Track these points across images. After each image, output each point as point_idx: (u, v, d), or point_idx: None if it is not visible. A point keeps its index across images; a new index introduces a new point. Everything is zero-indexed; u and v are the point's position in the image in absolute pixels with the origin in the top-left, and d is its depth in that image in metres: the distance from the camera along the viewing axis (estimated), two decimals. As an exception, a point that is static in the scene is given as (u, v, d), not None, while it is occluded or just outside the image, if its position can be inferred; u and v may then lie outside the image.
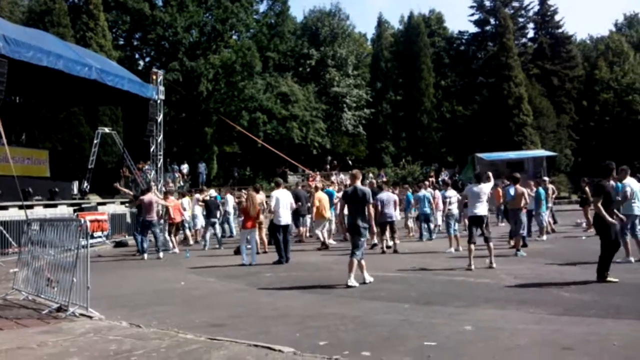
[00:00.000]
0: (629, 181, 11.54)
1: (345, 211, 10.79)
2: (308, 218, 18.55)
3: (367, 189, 10.13)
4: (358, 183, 10.21)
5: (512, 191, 14.32)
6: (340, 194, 16.00)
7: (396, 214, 15.76)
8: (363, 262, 9.86)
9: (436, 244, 16.10)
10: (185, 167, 33.74)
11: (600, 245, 9.06)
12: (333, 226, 18.09)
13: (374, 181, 22.56)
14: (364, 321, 7.07)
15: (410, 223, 19.19)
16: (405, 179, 36.96)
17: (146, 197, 15.62)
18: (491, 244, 11.15)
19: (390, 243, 15.06)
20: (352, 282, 9.51)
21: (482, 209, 11.35)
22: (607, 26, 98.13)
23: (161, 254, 15.33)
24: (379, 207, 14.40)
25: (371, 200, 9.95)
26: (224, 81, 39.08)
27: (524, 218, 14.08)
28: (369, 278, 9.82)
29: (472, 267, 10.78)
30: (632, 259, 10.98)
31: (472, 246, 11.09)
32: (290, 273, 11.58)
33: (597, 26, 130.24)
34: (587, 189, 18.81)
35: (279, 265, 12.97)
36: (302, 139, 42.04)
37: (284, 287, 9.92)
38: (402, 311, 7.57)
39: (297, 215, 16.82)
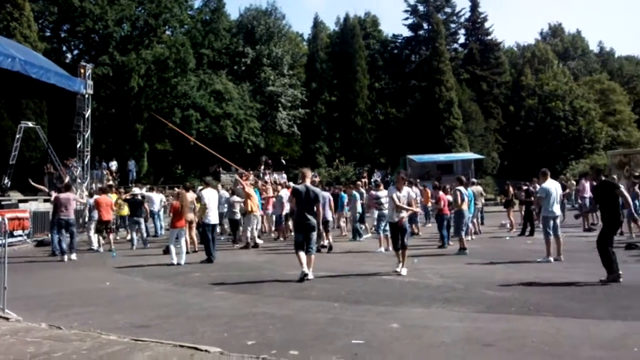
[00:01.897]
0: (549, 183, 12.03)
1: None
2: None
3: (318, 189, 10.56)
4: (308, 182, 10.44)
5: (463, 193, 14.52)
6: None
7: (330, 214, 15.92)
8: (313, 256, 10.21)
9: (367, 243, 16.30)
10: (114, 165, 32.70)
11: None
12: (259, 226, 18.04)
13: (316, 180, 22.62)
14: (293, 320, 7.06)
15: (343, 223, 19.36)
16: (339, 179, 37.25)
17: (62, 195, 15.01)
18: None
19: (325, 242, 15.15)
20: (311, 275, 9.98)
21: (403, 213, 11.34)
22: (534, 35, 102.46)
23: (73, 256, 14.65)
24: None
25: (321, 200, 10.17)
26: (156, 77, 38.20)
27: (461, 219, 14.36)
28: (310, 275, 10.00)
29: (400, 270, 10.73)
30: (551, 258, 11.44)
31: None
32: (220, 273, 11.43)
33: (524, 34, 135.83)
34: (510, 190, 19.53)
35: (208, 264, 12.81)
36: (236, 137, 41.67)
37: (214, 287, 9.78)
38: (332, 310, 7.60)
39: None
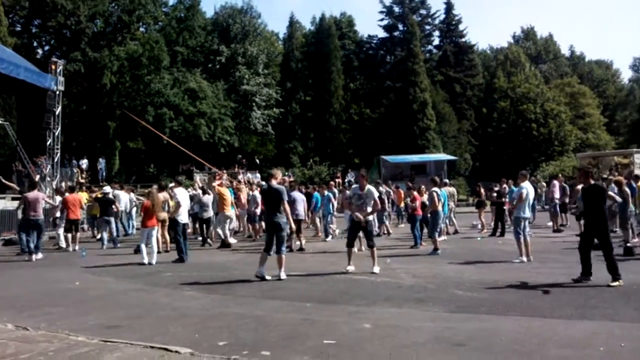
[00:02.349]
0: (527, 185, 12.23)
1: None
2: None
3: (281, 187, 10.41)
4: (273, 182, 10.37)
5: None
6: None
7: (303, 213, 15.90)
8: (283, 257, 10.13)
9: (340, 243, 16.25)
10: (84, 163, 32.20)
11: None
12: (235, 224, 17.96)
13: (286, 179, 22.55)
14: (265, 321, 7.02)
15: (318, 223, 19.33)
16: (313, 179, 37.27)
17: (31, 194, 14.70)
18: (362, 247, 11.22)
19: (297, 243, 15.14)
20: (263, 272, 9.94)
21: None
22: (507, 38, 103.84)
23: (40, 255, 14.38)
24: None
25: (285, 198, 10.08)
26: (129, 74, 37.83)
27: (437, 219, 14.46)
28: (283, 275, 9.98)
29: (376, 269, 10.72)
30: (524, 258, 11.60)
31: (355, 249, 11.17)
32: (192, 273, 11.33)
33: (498, 37, 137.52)
34: (481, 191, 19.74)
35: (179, 264, 12.70)
36: (210, 136, 41.46)
37: (185, 287, 9.69)
38: (304, 310, 7.59)
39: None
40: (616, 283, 8.66)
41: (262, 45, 49.57)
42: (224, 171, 28.46)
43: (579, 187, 9.99)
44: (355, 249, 14.27)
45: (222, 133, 42.50)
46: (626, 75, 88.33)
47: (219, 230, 16.28)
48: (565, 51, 74.85)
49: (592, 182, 9.42)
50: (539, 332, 6.17)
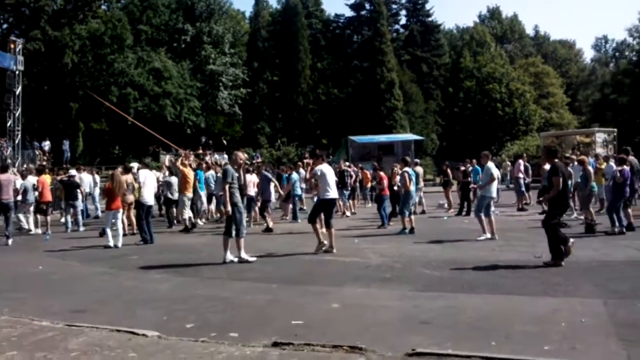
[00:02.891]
0: (491, 165, 12.39)
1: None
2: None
3: (226, 169, 10.19)
4: (229, 164, 10.23)
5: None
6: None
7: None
8: (241, 240, 9.93)
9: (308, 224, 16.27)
10: (46, 144, 31.48)
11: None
12: (203, 207, 17.82)
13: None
14: (233, 302, 7.02)
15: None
16: (281, 160, 37.18)
17: (3, 177, 14.34)
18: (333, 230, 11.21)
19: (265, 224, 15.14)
20: (229, 257, 9.80)
21: (335, 192, 11.43)
22: (472, 17, 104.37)
23: (10, 241, 14.02)
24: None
25: (225, 179, 9.84)
26: (91, 54, 36.92)
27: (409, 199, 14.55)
28: (249, 257, 9.89)
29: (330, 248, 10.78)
30: (489, 235, 11.80)
31: (317, 225, 11.03)
32: (158, 255, 11.23)
33: (464, 17, 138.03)
34: (448, 171, 19.96)
35: (146, 246, 12.59)
36: (176, 117, 40.87)
37: (152, 269, 9.61)
38: (271, 291, 7.61)
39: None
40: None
41: (228, 24, 48.89)
42: (190, 152, 28.20)
43: (546, 166, 10.06)
44: (323, 230, 14.38)
45: (188, 114, 41.95)
46: (588, 55, 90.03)
47: (184, 212, 16.13)
48: (530, 31, 75.83)
49: (556, 161, 9.48)
50: (503, 309, 6.30)
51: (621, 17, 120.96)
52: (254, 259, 9.89)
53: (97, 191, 20.43)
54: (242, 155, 10.95)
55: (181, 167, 16.29)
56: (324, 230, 11.12)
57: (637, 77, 41.72)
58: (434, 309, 6.38)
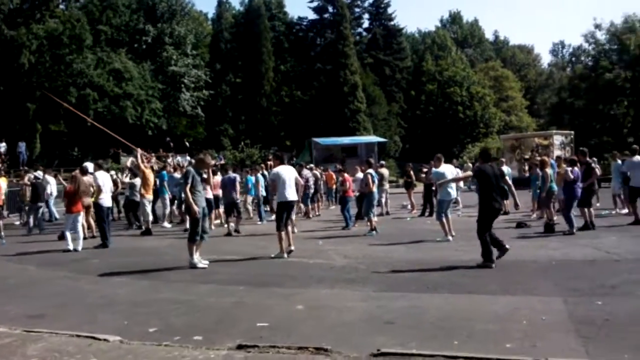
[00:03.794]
0: (445, 168, 12.59)
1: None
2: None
3: (189, 170, 10.04)
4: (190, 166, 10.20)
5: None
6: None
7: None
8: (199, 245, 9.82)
9: (272, 226, 16.17)
10: (2, 146, 30.65)
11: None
12: (167, 210, 17.61)
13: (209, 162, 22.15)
14: (197, 305, 6.96)
15: (249, 206, 19.19)
16: (244, 162, 36.97)
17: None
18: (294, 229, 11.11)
19: (227, 226, 15.02)
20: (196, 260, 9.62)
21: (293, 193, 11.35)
22: (434, 22, 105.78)
23: None
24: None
25: (188, 182, 9.67)
26: (49, 54, 36.08)
27: (372, 201, 14.62)
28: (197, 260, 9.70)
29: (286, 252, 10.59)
30: (450, 237, 11.94)
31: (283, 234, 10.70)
32: (120, 259, 11.03)
33: (425, 21, 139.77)
34: (411, 172, 20.16)
35: (106, 250, 12.37)
36: (137, 119, 40.29)
37: (113, 273, 9.43)
38: (237, 293, 7.56)
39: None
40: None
41: (190, 26, 48.48)
42: (152, 154, 27.79)
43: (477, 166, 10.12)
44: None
45: (149, 115, 41.39)
46: (546, 59, 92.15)
47: (146, 214, 15.91)
48: (489, 36, 77.30)
49: (485, 164, 9.41)
50: (465, 309, 6.39)
51: (577, 23, 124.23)
52: (206, 263, 9.65)
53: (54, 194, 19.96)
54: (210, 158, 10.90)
55: (143, 168, 16.05)
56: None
57: (593, 82, 42.85)
58: (397, 309, 6.43)
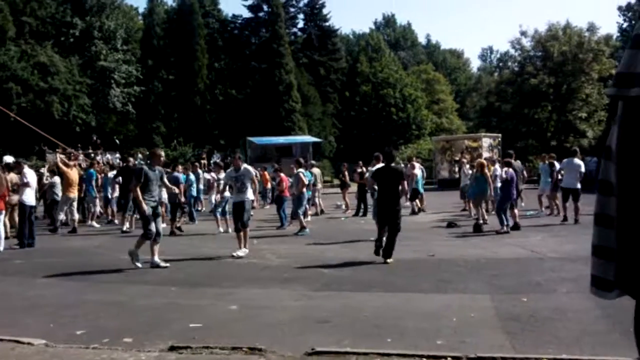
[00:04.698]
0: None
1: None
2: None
3: (142, 168, 9.95)
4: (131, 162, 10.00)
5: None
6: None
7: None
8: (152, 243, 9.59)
9: (206, 226, 16.01)
10: None
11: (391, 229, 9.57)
12: (98, 209, 17.09)
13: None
14: (127, 307, 6.77)
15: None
16: (177, 160, 36.26)
17: None
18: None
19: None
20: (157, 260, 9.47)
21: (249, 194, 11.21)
22: (368, 24, 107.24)
23: None
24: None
25: (140, 180, 9.50)
26: (-32, 45, 34.33)
27: (302, 201, 14.63)
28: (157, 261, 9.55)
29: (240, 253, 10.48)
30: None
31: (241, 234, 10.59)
32: (45, 259, 10.60)
33: (360, 23, 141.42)
34: (346, 172, 20.34)
35: (31, 250, 11.87)
36: (64, 114, 38.79)
37: (38, 274, 9.03)
38: (169, 294, 7.41)
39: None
40: (390, 260, 9.26)
41: (121, 20, 47.11)
42: (80, 152, 26.90)
43: (375, 167, 10.60)
44: (221, 229, 14.21)
45: (77, 111, 39.93)
46: (475, 64, 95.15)
47: (60, 214, 15.36)
48: (422, 39, 79.03)
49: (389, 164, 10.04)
50: (398, 307, 6.50)
51: (504, 30, 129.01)
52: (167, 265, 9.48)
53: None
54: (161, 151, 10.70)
55: (63, 167, 15.48)
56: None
57: (519, 87, 44.33)
58: (332, 308, 6.46)
